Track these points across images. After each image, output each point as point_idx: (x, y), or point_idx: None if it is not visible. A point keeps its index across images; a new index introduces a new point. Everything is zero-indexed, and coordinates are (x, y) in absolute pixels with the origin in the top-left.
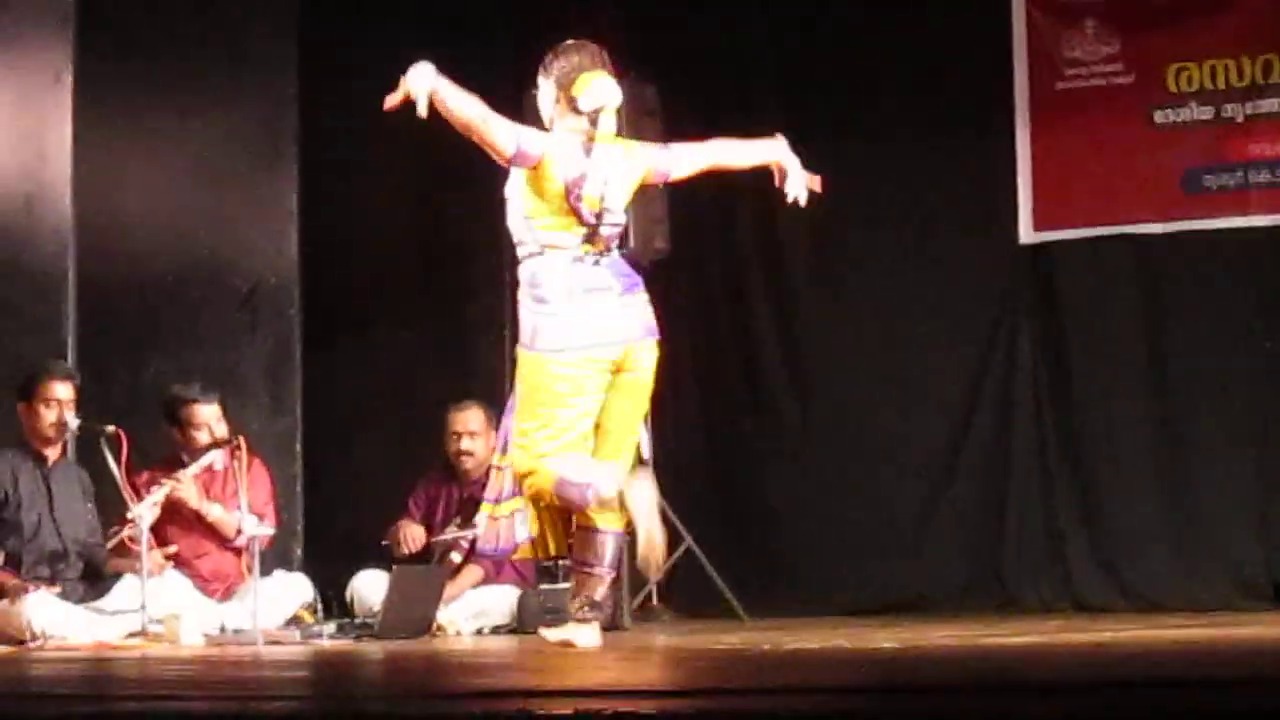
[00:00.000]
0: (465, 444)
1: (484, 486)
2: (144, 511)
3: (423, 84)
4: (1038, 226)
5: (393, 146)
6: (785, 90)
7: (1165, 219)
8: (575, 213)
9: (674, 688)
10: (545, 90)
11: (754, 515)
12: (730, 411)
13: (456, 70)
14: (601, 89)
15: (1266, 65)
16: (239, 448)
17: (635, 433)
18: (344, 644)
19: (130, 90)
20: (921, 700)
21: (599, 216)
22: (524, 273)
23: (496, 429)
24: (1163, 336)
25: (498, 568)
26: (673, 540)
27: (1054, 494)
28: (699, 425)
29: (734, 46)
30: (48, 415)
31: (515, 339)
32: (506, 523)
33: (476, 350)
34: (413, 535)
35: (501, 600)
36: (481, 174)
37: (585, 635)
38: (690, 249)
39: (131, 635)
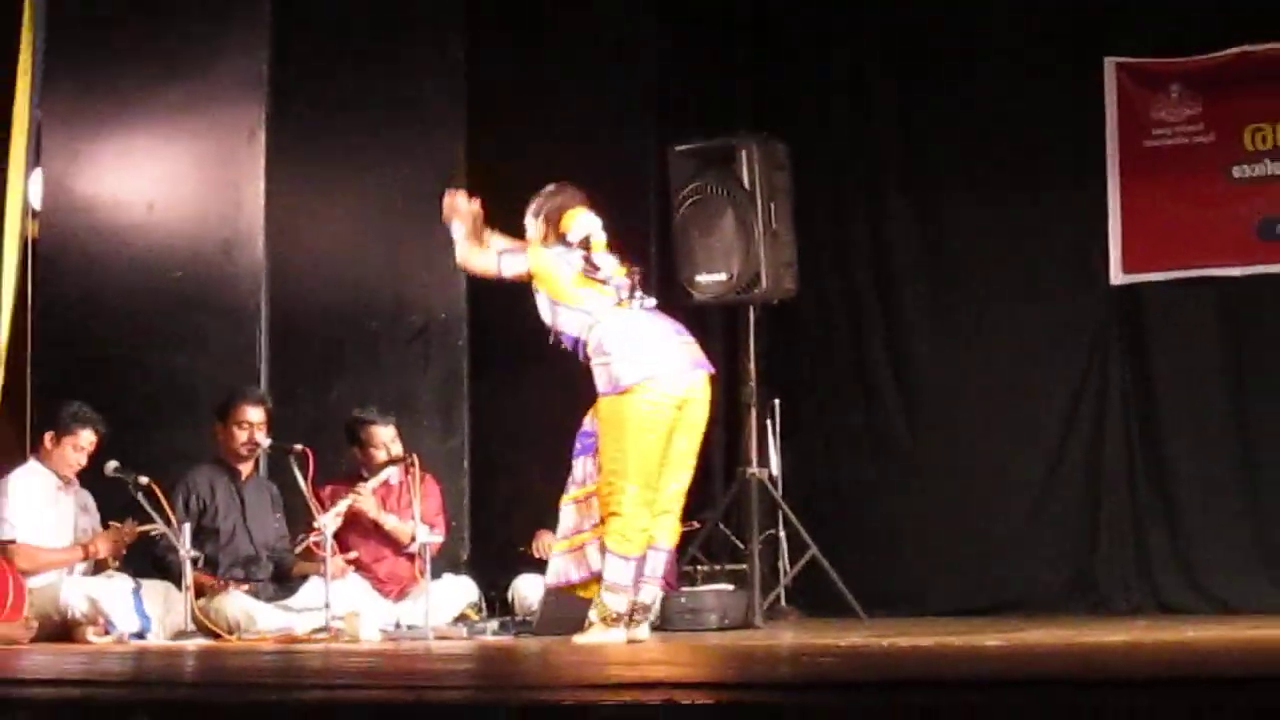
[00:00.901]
0: None
1: None
2: (328, 521)
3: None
4: (1127, 269)
5: None
6: (905, 151)
7: (1243, 263)
8: (596, 281)
9: (804, 681)
10: (533, 228)
11: (872, 528)
12: (849, 437)
13: (604, 133)
14: (586, 221)
15: None
16: (413, 465)
17: (694, 462)
18: (505, 639)
19: (316, 147)
20: (1025, 692)
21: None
22: (590, 346)
23: None
24: (1240, 367)
25: None
26: (798, 549)
27: (1141, 509)
28: (822, 449)
29: (860, 111)
30: (240, 435)
31: None
32: (577, 555)
33: None
34: (547, 544)
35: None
36: (627, 224)
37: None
38: (813, 290)
39: (316, 630)
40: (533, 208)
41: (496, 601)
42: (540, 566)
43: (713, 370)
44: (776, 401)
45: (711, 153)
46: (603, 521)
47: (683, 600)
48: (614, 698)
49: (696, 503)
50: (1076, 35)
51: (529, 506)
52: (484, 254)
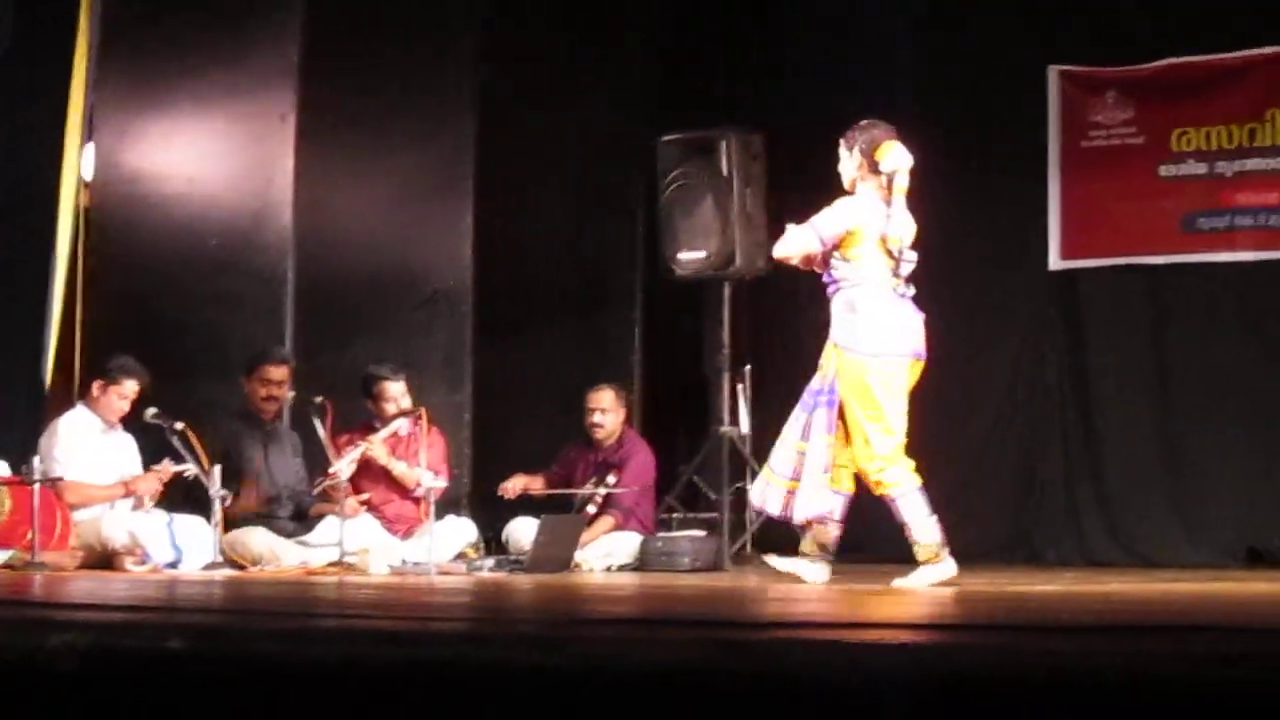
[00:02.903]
0: (597, 418)
1: (615, 452)
2: (343, 467)
3: None
4: (1064, 256)
5: (548, 180)
6: None
7: (1167, 253)
8: (886, 253)
9: (768, 621)
10: (850, 158)
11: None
12: None
13: (600, 123)
14: (899, 154)
15: (1252, 132)
16: (421, 417)
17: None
18: (500, 576)
19: (341, 129)
20: (966, 633)
21: (900, 254)
22: (841, 299)
23: (625, 406)
24: (1164, 344)
25: (625, 517)
26: None
27: (1073, 473)
28: (788, 411)
29: (832, 108)
30: (263, 390)
31: (645, 334)
32: (788, 497)
33: (609, 344)
34: (513, 485)
35: (627, 544)
36: (622, 202)
37: (813, 571)
38: (783, 269)
39: (331, 564)
40: (847, 142)
41: (493, 541)
42: (519, 507)
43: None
44: (747, 368)
45: (695, 143)
46: (865, 478)
47: (659, 544)
48: (591, 633)
49: (674, 458)
50: (1024, 45)
51: (524, 456)
52: (798, 231)
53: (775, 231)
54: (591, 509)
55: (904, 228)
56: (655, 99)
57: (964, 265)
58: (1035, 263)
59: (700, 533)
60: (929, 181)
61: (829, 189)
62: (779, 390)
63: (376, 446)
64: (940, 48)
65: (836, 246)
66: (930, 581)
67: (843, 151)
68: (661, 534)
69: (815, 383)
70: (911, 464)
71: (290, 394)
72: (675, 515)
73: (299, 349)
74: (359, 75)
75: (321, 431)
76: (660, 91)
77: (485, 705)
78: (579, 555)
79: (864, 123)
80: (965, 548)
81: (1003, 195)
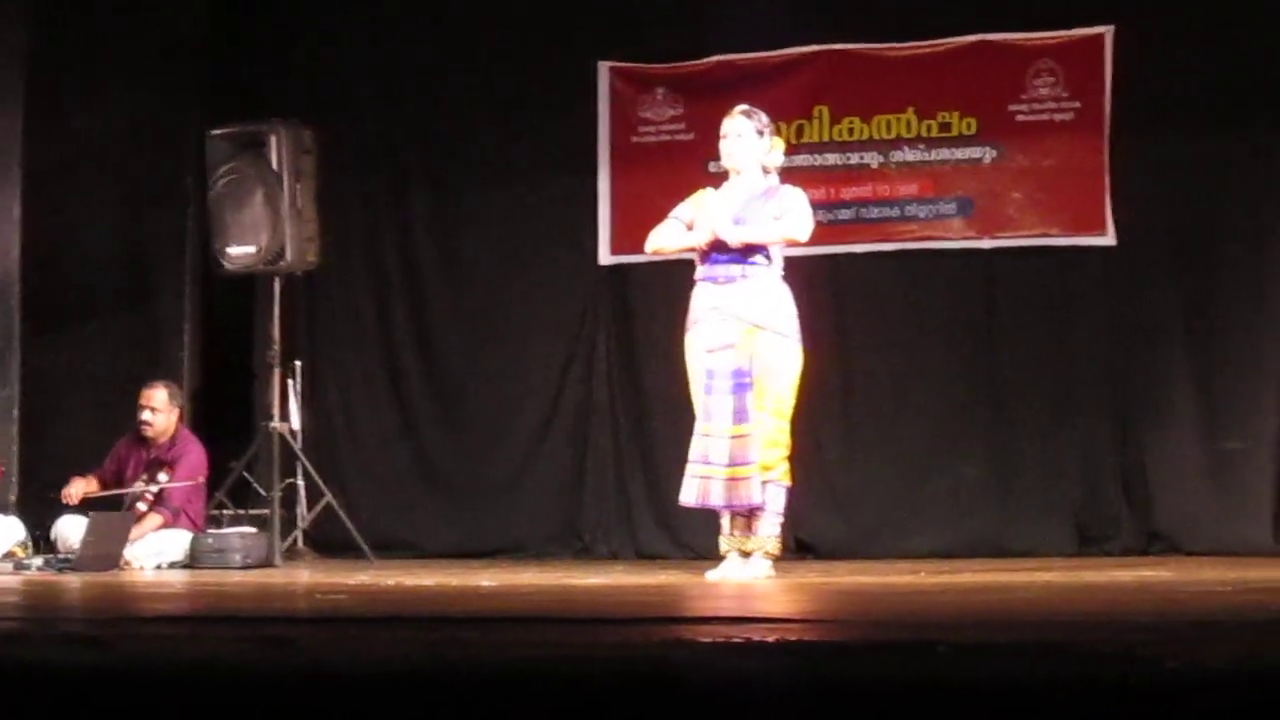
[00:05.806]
0: (147, 416)
1: (168, 450)
2: None
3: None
4: (614, 251)
5: (98, 172)
6: (425, 141)
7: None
8: None
9: (317, 616)
10: (762, 142)
11: (384, 478)
12: (369, 396)
13: (150, 115)
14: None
15: (800, 129)
16: None
17: None
18: (49, 575)
19: None
20: (512, 629)
21: None
22: (761, 285)
23: (178, 404)
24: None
25: (175, 515)
26: (316, 495)
27: (623, 464)
28: (343, 406)
29: (386, 104)
30: None
31: (197, 328)
32: (745, 484)
33: (160, 338)
34: (74, 491)
35: (178, 542)
36: (173, 196)
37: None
38: (342, 262)
39: None
40: (758, 125)
41: (41, 540)
42: (67, 506)
43: None
44: (298, 363)
45: (245, 136)
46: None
47: (209, 541)
48: (140, 631)
49: (223, 454)
50: (575, 40)
51: (74, 454)
52: (765, 227)
53: (325, 226)
54: (142, 506)
55: None
56: (206, 91)
57: (519, 260)
58: (586, 257)
59: (251, 529)
60: (482, 178)
61: (380, 183)
62: (335, 385)
63: None
64: (488, 42)
65: None
66: (769, 573)
67: (753, 133)
68: (212, 531)
69: (729, 362)
70: None
71: None
72: (226, 512)
73: None
74: None
75: None
76: (211, 84)
77: (32, 706)
78: (129, 553)
79: (755, 108)
80: (516, 541)
81: (556, 191)
